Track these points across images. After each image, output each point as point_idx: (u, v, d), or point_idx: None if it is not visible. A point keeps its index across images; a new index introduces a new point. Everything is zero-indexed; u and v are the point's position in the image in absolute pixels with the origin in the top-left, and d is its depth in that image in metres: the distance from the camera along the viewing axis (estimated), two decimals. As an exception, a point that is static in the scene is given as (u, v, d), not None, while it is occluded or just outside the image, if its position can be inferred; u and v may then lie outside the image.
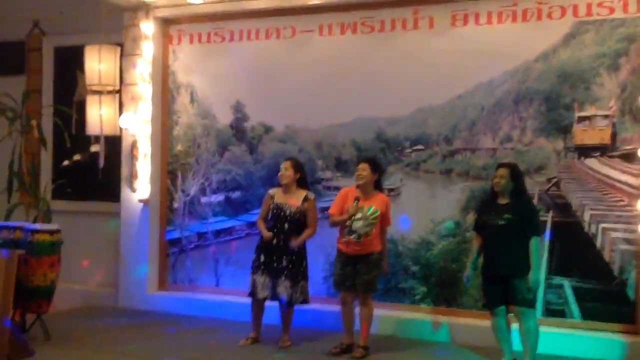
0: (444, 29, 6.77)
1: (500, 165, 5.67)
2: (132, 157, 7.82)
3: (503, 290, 5.44)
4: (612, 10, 6.18)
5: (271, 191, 6.37)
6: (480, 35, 6.63)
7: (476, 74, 6.64)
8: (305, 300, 6.24)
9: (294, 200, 6.21)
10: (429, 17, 6.82)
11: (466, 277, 5.71)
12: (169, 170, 7.98)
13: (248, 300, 6.38)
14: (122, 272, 7.90)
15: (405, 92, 6.88)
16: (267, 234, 6.17)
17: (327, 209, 6.67)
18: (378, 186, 6.06)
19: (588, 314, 6.19)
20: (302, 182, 6.32)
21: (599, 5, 6.21)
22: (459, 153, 6.81)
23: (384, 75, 6.98)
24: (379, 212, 5.87)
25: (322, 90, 7.22)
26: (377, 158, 6.51)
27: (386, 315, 6.61)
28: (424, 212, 6.82)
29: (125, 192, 7.90)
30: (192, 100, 7.91)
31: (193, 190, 7.88)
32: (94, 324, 7.07)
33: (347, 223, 5.90)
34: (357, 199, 5.89)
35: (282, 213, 6.17)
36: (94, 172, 7.55)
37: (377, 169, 6.04)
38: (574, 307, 6.23)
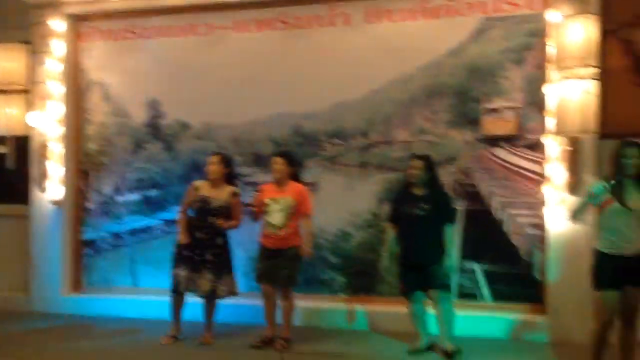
0: (359, 26, 6.89)
1: (415, 157, 5.84)
2: (42, 157, 7.57)
3: (420, 277, 5.61)
4: (517, 7, 6.46)
5: (196, 183, 6.30)
6: (394, 31, 6.79)
7: (391, 70, 6.78)
8: (231, 293, 6.20)
9: (221, 194, 6.17)
10: (344, 14, 6.94)
11: (384, 266, 5.85)
12: (82, 170, 7.76)
13: (167, 298, 6.29)
14: (34, 276, 7.62)
15: (322, 88, 6.95)
16: (183, 239, 6.12)
17: (246, 204, 6.70)
18: (296, 179, 6.12)
19: (498, 296, 6.44)
20: (230, 177, 6.30)
21: (506, 2, 6.49)
22: (375, 146, 6.93)
23: (300, 71, 7.03)
24: (294, 202, 5.92)
25: (239, 87, 7.20)
26: (293, 152, 6.53)
27: (306, 307, 6.66)
28: (342, 204, 6.89)
29: (35, 193, 7.63)
30: (105, 99, 7.73)
31: (108, 190, 7.70)
32: (7, 329, 6.81)
33: (266, 217, 5.92)
34: (257, 189, 6.06)
35: (208, 206, 6.12)
36: (1, 174, 7.28)
37: (293, 162, 6.10)
38: (485, 290, 6.47)
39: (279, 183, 6.00)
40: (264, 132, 7.22)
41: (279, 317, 6.11)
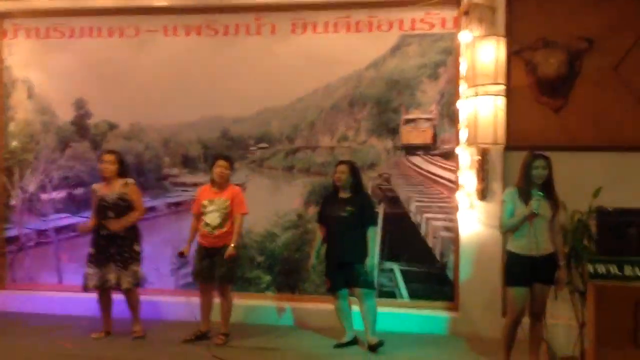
0: (285, 36, 7.02)
1: (341, 162, 6.06)
2: (-37, 153, 7.34)
3: (345, 275, 5.86)
4: (432, 26, 6.78)
5: (94, 186, 6.33)
6: (318, 42, 6.96)
7: (315, 79, 6.97)
8: (137, 284, 6.21)
9: (114, 188, 6.19)
10: (270, 24, 7.05)
11: (312, 264, 6.06)
12: (5, 167, 7.55)
13: (94, 295, 6.29)
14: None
15: (250, 94, 7.06)
16: (82, 227, 6.25)
17: (175, 204, 6.76)
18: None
19: (415, 294, 6.76)
20: (123, 173, 6.30)
21: (421, 21, 6.79)
22: (300, 151, 7.11)
23: (228, 77, 7.11)
24: (229, 202, 6.02)
25: (168, 89, 7.21)
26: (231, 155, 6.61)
27: (235, 304, 6.76)
28: (268, 205, 7.04)
29: (-43, 190, 7.39)
30: (29, 96, 7.54)
31: (32, 187, 7.52)
32: None
33: (203, 217, 6.01)
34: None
35: (105, 203, 6.14)
36: None
37: (232, 164, 6.22)
38: (403, 289, 6.78)
39: (219, 185, 6.07)
40: (192, 134, 7.26)
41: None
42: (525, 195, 5.14)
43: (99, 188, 6.25)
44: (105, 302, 6.28)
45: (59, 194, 7.49)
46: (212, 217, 5.99)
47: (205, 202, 6.05)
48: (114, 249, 6.11)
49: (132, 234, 6.21)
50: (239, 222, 6.06)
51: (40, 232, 7.52)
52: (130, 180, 6.27)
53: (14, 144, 7.55)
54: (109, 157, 6.20)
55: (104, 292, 6.23)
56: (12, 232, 7.55)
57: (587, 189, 5.77)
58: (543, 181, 5.14)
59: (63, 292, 7.34)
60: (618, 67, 6.35)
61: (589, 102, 6.41)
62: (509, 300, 5.30)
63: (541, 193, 5.06)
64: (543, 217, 5.10)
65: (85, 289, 6.18)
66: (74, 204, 7.48)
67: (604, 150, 6.36)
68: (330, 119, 7.04)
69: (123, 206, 6.14)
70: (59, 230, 7.48)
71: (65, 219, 7.49)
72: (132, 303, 6.25)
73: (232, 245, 5.95)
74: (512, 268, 5.20)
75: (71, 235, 7.45)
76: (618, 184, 6.02)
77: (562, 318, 6.09)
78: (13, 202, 7.55)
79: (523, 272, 5.11)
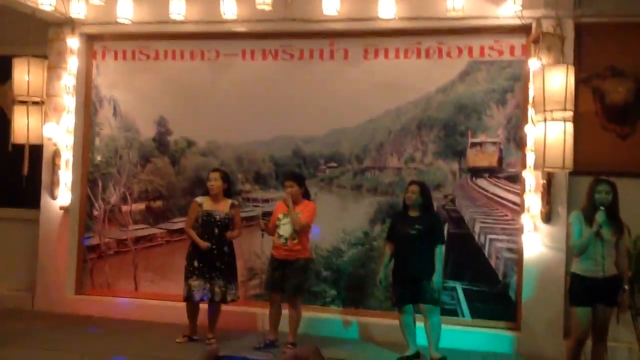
0: (357, 61, 7.22)
1: (412, 183, 6.20)
2: (54, 165, 7.72)
3: (412, 290, 5.95)
4: (501, 53, 6.89)
5: (198, 199, 6.54)
6: (388, 68, 7.14)
7: (385, 102, 7.13)
8: (236, 298, 6.46)
9: (222, 207, 6.43)
10: (343, 49, 7.26)
11: (379, 279, 6.18)
12: (90, 179, 7.92)
13: (167, 303, 6.61)
14: (40, 276, 7.74)
15: (321, 115, 7.27)
16: (204, 244, 6.29)
17: (246, 218, 7.01)
18: (307, 196, 6.43)
19: (476, 313, 6.79)
20: (228, 191, 6.56)
21: (490, 48, 6.90)
22: (368, 171, 7.26)
23: (301, 98, 7.34)
24: (300, 214, 6.19)
25: (244, 109, 7.47)
26: (301, 174, 6.81)
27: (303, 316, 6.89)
28: (336, 223, 7.19)
29: (45, 199, 7.77)
30: (115, 114, 7.92)
31: (114, 199, 7.87)
32: (18, 326, 6.95)
33: (277, 230, 6.22)
34: (264, 218, 6.38)
35: (212, 219, 6.37)
36: (15, 179, 7.37)
37: (302, 182, 6.40)
38: (465, 307, 6.81)
39: (293, 202, 6.25)
40: (265, 152, 7.50)
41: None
42: (589, 218, 5.18)
43: (204, 202, 6.47)
44: (194, 311, 6.50)
45: (139, 206, 7.81)
46: (285, 229, 6.19)
47: (280, 216, 6.26)
48: (220, 264, 6.34)
49: (234, 251, 6.47)
50: (304, 227, 6.20)
51: (120, 241, 7.84)
52: (236, 203, 6.57)
53: (99, 158, 7.92)
54: (215, 175, 6.47)
55: (196, 303, 6.42)
56: (94, 241, 7.89)
57: (653, 215, 5.76)
58: (607, 205, 5.16)
59: (138, 298, 7.62)
60: (685, 96, 6.34)
61: (656, 130, 6.41)
62: (573, 321, 5.33)
63: (603, 208, 5.10)
64: (607, 241, 5.13)
65: (190, 300, 6.37)
66: (152, 216, 7.77)
67: (670, 177, 6.32)
68: (398, 140, 7.18)
69: (228, 225, 6.40)
70: (137, 240, 7.78)
71: (144, 230, 7.78)
72: (217, 314, 6.45)
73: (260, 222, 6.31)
74: (577, 289, 5.23)
75: (148, 245, 7.75)
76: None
77: (624, 342, 6.05)
78: (95, 212, 7.90)
79: (587, 293, 5.15)
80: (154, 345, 6.37)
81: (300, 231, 6.16)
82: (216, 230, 6.35)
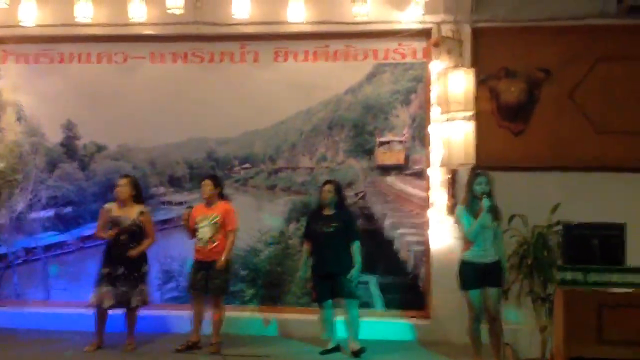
0: (268, 63, 7.28)
1: (327, 182, 6.36)
2: (-46, 173, 7.35)
3: (331, 286, 6.11)
4: (404, 56, 7.14)
5: (107, 205, 6.45)
6: (298, 70, 7.24)
7: (296, 103, 7.25)
8: (144, 302, 6.35)
9: (130, 213, 6.34)
10: (254, 52, 7.30)
11: (300, 276, 6.33)
12: (-7, 187, 7.59)
13: (81, 311, 6.47)
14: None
15: (234, 117, 7.28)
16: (110, 232, 6.26)
17: (162, 222, 6.93)
18: (223, 197, 6.44)
19: (389, 304, 7.03)
20: (138, 198, 6.47)
21: (394, 51, 7.14)
22: (282, 171, 7.35)
23: (214, 101, 7.32)
24: (219, 218, 6.23)
25: (155, 112, 7.37)
26: (218, 175, 6.83)
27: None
28: (251, 222, 7.21)
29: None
30: (18, 119, 7.60)
31: (20, 207, 7.55)
32: None
33: (197, 233, 6.21)
34: (189, 207, 6.34)
35: (119, 225, 6.28)
36: None
37: (219, 183, 6.42)
38: (378, 299, 7.05)
39: (208, 202, 6.28)
40: (178, 154, 7.44)
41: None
42: (472, 208, 5.58)
43: (112, 208, 6.36)
44: (102, 319, 6.36)
45: (47, 213, 7.54)
46: (204, 232, 6.21)
47: (198, 219, 6.25)
48: (124, 269, 6.23)
49: (142, 256, 6.35)
50: (231, 238, 6.29)
51: (29, 250, 7.54)
52: (146, 210, 6.44)
53: (2, 164, 7.58)
54: (123, 181, 6.36)
55: (103, 310, 6.30)
56: (1, 250, 7.55)
57: (546, 205, 6.17)
58: (487, 195, 5.52)
59: (51, 307, 7.36)
60: (573, 94, 6.80)
61: (546, 127, 6.84)
62: (467, 304, 5.66)
63: (486, 196, 5.47)
64: (489, 228, 5.50)
65: (97, 306, 6.24)
66: (62, 223, 7.53)
67: (560, 170, 6.78)
68: (310, 140, 7.31)
69: (136, 232, 6.29)
70: (47, 248, 7.52)
71: (54, 237, 7.53)
72: (131, 320, 6.36)
73: (222, 257, 6.18)
74: (467, 274, 5.58)
75: (59, 252, 7.51)
76: (573, 200, 6.40)
77: (524, 324, 6.45)
78: (1, 220, 7.56)
79: (476, 277, 5.52)
80: (61, 355, 6.19)
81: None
82: (123, 237, 6.26)
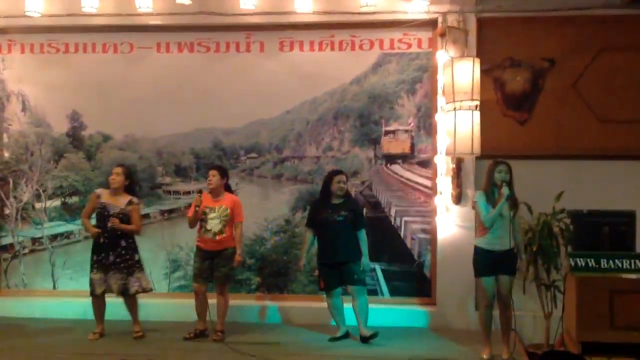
0: (273, 53, 7.22)
1: (338, 172, 6.31)
2: (-41, 163, 7.27)
3: (339, 274, 6.08)
4: (409, 46, 7.10)
5: (98, 191, 6.40)
6: (304, 60, 7.18)
7: (301, 93, 7.20)
8: (145, 289, 6.30)
9: (120, 202, 6.27)
10: (259, 42, 7.24)
11: (303, 264, 6.31)
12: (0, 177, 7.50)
13: (87, 300, 6.36)
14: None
15: (240, 107, 7.22)
16: (93, 231, 6.21)
17: (168, 211, 6.86)
18: (228, 189, 6.37)
19: (395, 292, 7.02)
20: (131, 188, 6.39)
21: (400, 41, 7.10)
22: (287, 160, 7.32)
23: (220, 91, 7.25)
24: (229, 210, 6.17)
25: (161, 102, 7.30)
26: (224, 165, 6.75)
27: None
28: (258, 211, 7.18)
29: (-47, 198, 7.30)
30: (24, 109, 7.51)
31: (26, 197, 7.47)
32: None
33: (204, 224, 6.13)
34: (199, 191, 6.23)
35: (107, 212, 6.21)
36: None
37: (225, 174, 6.35)
38: (384, 286, 7.03)
39: (214, 193, 6.22)
40: (185, 144, 7.38)
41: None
42: (491, 196, 5.54)
43: (103, 194, 6.30)
44: (99, 305, 6.32)
45: (54, 203, 7.47)
46: (214, 224, 6.13)
47: (206, 210, 6.16)
48: (115, 257, 6.17)
49: (132, 244, 6.28)
50: (240, 230, 6.25)
51: (35, 240, 7.47)
52: (136, 201, 6.34)
53: (8, 155, 7.50)
54: (117, 170, 6.29)
55: (100, 297, 6.26)
56: (7, 240, 7.48)
57: (550, 193, 6.19)
58: (505, 183, 5.50)
59: (57, 297, 7.32)
60: (576, 84, 6.79)
61: (550, 116, 6.83)
62: (479, 290, 5.67)
63: (506, 184, 5.43)
64: (506, 216, 5.47)
65: (92, 294, 6.21)
66: (68, 212, 7.46)
67: (564, 159, 6.79)
68: (316, 130, 7.27)
69: (122, 220, 6.20)
70: (53, 237, 7.45)
71: (60, 227, 7.46)
72: (132, 307, 6.31)
73: (239, 252, 6.19)
74: (481, 261, 5.57)
75: (65, 242, 7.44)
76: (577, 188, 6.41)
77: (528, 310, 6.45)
78: (7, 211, 7.49)
79: (490, 264, 5.51)
80: (69, 344, 6.11)
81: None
82: (109, 224, 6.18)
